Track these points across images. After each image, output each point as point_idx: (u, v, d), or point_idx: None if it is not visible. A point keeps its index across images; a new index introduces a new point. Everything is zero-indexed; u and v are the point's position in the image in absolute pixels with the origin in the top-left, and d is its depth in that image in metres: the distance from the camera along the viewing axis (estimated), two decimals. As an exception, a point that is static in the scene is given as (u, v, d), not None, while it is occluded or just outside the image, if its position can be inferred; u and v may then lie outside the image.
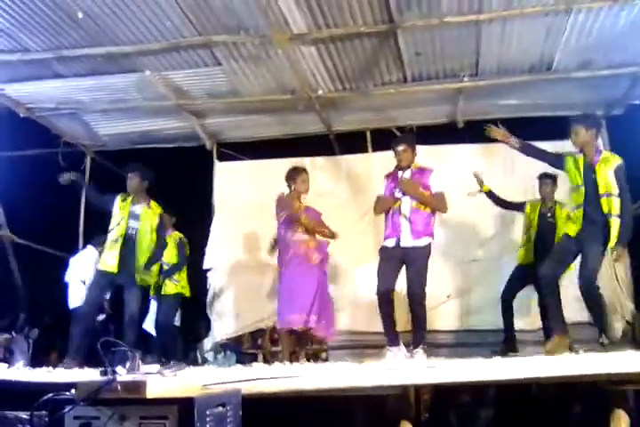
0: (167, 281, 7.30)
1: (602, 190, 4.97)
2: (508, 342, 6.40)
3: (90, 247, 7.91)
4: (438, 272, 7.00)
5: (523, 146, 5.45)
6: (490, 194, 6.79)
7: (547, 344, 5.08)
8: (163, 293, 7.32)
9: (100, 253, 6.57)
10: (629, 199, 5.02)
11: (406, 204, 5.47)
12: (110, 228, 6.13)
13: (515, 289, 6.51)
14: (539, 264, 5.60)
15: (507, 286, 6.53)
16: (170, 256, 7.28)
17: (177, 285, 7.37)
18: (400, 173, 5.61)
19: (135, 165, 6.37)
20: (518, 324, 6.60)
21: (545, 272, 5.15)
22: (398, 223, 5.45)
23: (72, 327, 6.15)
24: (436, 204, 5.51)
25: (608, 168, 5.00)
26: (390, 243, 5.48)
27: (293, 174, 6.16)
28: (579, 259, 5.09)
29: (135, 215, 6.15)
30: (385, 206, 5.63)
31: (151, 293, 7.28)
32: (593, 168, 5.05)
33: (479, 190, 6.79)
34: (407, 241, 5.40)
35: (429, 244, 5.46)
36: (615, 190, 4.96)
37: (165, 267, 7.20)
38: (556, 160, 5.31)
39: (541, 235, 6.42)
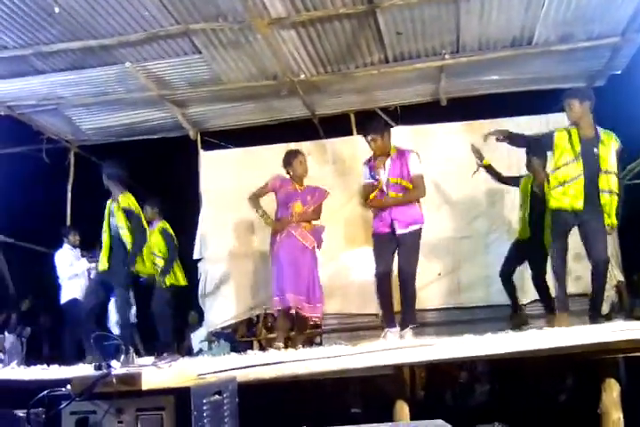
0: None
1: (603, 166, 5.00)
2: (517, 316, 6.43)
3: (65, 246, 7.93)
4: (428, 250, 7.03)
5: (510, 138, 5.50)
6: (489, 168, 6.55)
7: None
8: (156, 285, 7.25)
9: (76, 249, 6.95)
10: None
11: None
12: None
13: (513, 266, 6.47)
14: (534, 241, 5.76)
15: (505, 263, 6.48)
16: (159, 248, 7.26)
17: (169, 276, 7.35)
18: (379, 160, 5.54)
19: (105, 165, 6.44)
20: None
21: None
22: (387, 215, 5.47)
23: (67, 324, 6.22)
24: (416, 194, 5.49)
25: (611, 147, 5.04)
26: (382, 230, 5.51)
27: (289, 159, 6.09)
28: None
29: (112, 213, 6.23)
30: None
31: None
32: (594, 142, 5.05)
33: (480, 165, 6.49)
34: (398, 230, 5.42)
35: (420, 228, 5.48)
36: (614, 169, 5.02)
37: (155, 258, 7.18)
38: (545, 139, 5.28)
39: (534, 211, 6.27)
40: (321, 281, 6.14)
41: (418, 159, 5.51)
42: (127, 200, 6.33)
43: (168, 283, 7.28)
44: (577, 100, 5.11)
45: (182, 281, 7.51)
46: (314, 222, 6.11)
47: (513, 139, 5.53)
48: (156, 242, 7.16)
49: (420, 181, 5.47)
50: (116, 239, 6.22)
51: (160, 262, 7.22)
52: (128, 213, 6.29)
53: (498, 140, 5.56)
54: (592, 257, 5.04)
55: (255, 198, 6.09)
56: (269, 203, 6.18)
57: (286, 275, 5.78)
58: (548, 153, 5.42)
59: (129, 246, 6.21)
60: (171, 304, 7.35)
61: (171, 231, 7.45)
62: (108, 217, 6.27)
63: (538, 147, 5.56)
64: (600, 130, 5.16)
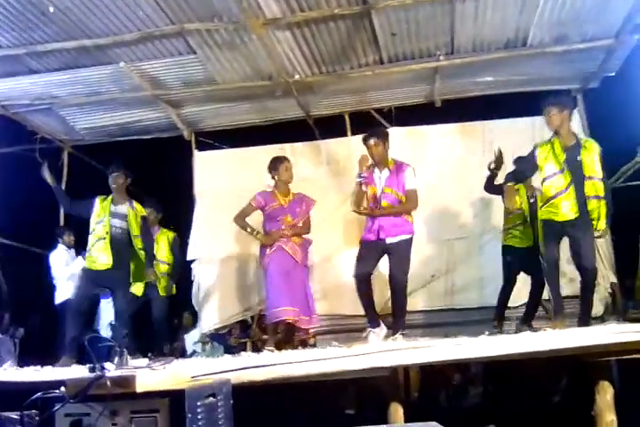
0: (165, 282, 7.24)
1: (587, 173, 5.00)
2: (500, 321, 6.47)
3: (60, 246, 7.92)
4: (421, 252, 7.02)
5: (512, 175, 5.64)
6: (492, 173, 6.31)
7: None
8: (161, 293, 7.21)
9: (71, 250, 6.92)
10: (607, 182, 5.17)
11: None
12: (91, 228, 6.08)
13: (515, 273, 6.41)
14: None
15: (505, 271, 6.44)
16: (164, 254, 7.30)
17: (174, 286, 7.41)
18: (376, 170, 5.60)
19: (119, 164, 6.32)
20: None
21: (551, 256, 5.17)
22: (375, 224, 5.50)
23: (61, 325, 6.18)
24: (408, 207, 5.54)
25: (593, 153, 5.04)
26: (369, 238, 5.53)
27: (275, 164, 6.09)
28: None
29: (120, 215, 6.14)
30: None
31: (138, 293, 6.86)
32: (576, 150, 5.05)
33: (492, 167, 6.27)
34: (387, 239, 5.46)
35: (410, 238, 5.51)
36: (599, 174, 5.02)
37: (161, 265, 7.17)
38: (529, 159, 5.30)
39: (531, 219, 6.25)
40: (315, 282, 6.15)
41: (413, 174, 5.57)
42: (142, 209, 6.32)
43: (173, 292, 7.34)
44: (556, 108, 5.12)
45: (175, 290, 7.57)
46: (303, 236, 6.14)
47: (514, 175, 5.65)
48: (160, 248, 7.20)
49: (413, 195, 5.54)
50: (118, 240, 6.06)
51: (163, 268, 7.24)
52: (144, 222, 6.28)
53: None
54: (581, 266, 5.05)
55: (241, 219, 6.08)
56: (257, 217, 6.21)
57: (280, 288, 5.79)
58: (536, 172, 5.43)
59: (140, 253, 6.12)
60: (167, 311, 7.38)
61: (178, 241, 7.58)
62: (109, 216, 6.07)
63: (526, 168, 5.58)
64: (580, 137, 5.24)
